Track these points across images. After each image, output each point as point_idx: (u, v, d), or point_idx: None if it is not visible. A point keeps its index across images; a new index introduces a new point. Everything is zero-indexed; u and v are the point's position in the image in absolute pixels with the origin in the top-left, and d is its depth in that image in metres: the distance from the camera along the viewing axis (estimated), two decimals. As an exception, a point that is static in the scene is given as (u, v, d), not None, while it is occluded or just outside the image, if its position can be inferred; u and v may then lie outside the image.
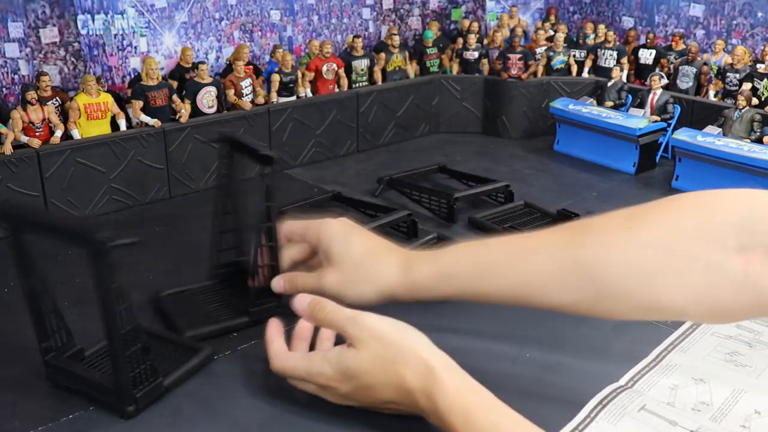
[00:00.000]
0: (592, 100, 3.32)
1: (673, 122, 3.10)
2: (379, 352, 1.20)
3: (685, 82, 3.29)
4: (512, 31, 3.75)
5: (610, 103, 3.24)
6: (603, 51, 3.53)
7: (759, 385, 1.42)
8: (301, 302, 1.34)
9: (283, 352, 1.37)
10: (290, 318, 1.45)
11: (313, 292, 1.46)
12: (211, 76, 2.90)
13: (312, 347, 1.40)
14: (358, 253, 1.43)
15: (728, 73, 3.16)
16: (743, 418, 1.30)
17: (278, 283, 1.60)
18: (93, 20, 2.78)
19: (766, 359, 1.52)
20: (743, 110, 2.86)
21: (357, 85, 3.31)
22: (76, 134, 2.54)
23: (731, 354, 1.54)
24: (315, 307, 1.32)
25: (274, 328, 1.41)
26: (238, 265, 1.90)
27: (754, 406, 1.34)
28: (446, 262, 1.30)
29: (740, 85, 3.06)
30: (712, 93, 3.18)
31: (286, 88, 3.06)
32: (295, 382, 1.34)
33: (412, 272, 1.35)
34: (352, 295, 1.45)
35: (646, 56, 3.55)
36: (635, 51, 3.60)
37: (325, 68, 3.18)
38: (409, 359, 1.17)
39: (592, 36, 3.69)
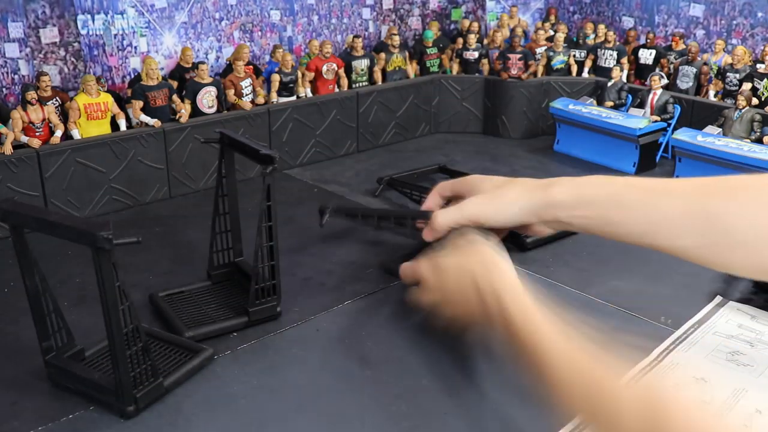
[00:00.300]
0: (592, 100, 3.32)
1: (673, 122, 3.10)
2: (467, 255, 1.36)
3: (685, 82, 3.29)
4: (512, 31, 3.75)
5: (610, 103, 3.24)
6: (603, 51, 3.53)
7: (760, 384, 1.42)
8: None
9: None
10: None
11: (456, 222, 1.55)
12: (211, 76, 2.90)
13: None
14: (498, 181, 1.55)
15: (728, 73, 3.16)
16: (744, 417, 1.30)
17: (427, 233, 1.61)
18: (93, 20, 2.78)
19: (767, 358, 1.52)
20: (743, 110, 2.86)
21: (357, 85, 3.31)
22: (76, 134, 2.54)
23: (732, 353, 1.54)
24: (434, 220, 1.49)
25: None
26: (237, 266, 1.91)
27: (756, 405, 1.34)
28: (585, 187, 1.37)
29: (740, 85, 3.06)
30: (712, 93, 3.18)
31: (286, 88, 3.06)
32: (405, 273, 1.56)
33: (553, 190, 1.42)
34: (494, 213, 1.50)
35: (646, 56, 3.55)
36: (635, 51, 3.60)
37: (325, 68, 3.18)
38: (487, 269, 1.30)
39: (592, 36, 3.69)
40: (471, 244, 1.39)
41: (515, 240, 2.07)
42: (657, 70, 3.38)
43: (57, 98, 2.60)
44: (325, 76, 3.18)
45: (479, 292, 1.25)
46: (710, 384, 1.40)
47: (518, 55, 3.45)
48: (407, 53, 3.53)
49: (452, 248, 1.42)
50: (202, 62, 2.85)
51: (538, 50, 3.58)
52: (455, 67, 3.63)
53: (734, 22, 3.58)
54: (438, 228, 1.57)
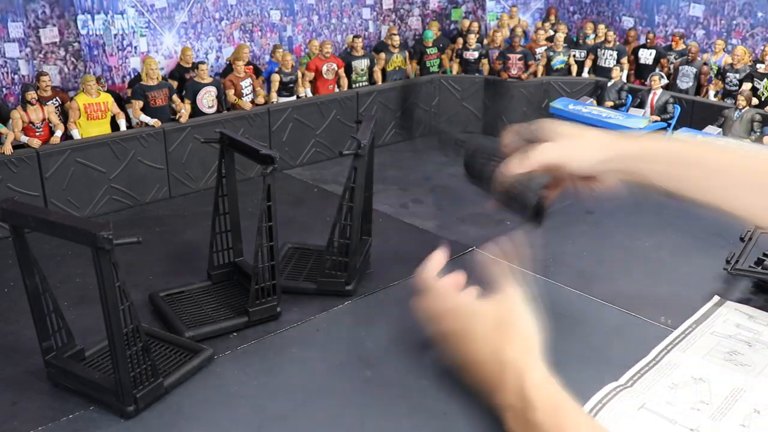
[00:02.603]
0: (592, 100, 3.32)
1: (673, 122, 3.10)
2: (503, 316, 1.27)
3: (685, 82, 3.29)
4: (512, 31, 3.75)
5: (610, 103, 3.24)
6: (603, 51, 3.53)
7: (758, 384, 1.42)
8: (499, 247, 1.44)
9: (434, 268, 1.46)
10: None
11: (536, 165, 1.50)
12: (211, 76, 2.90)
13: None
14: (577, 129, 1.56)
15: (728, 73, 3.16)
16: (743, 417, 1.30)
17: (502, 175, 1.60)
18: (93, 20, 2.78)
19: (765, 358, 1.52)
20: (743, 110, 2.86)
21: (357, 85, 3.31)
22: (76, 134, 2.54)
23: (731, 353, 1.54)
24: (495, 263, 1.44)
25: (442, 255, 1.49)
26: (237, 266, 1.91)
27: (754, 405, 1.34)
28: (672, 143, 1.44)
29: (740, 85, 3.06)
30: (712, 93, 3.18)
31: (286, 88, 3.06)
32: (423, 295, 1.42)
33: (642, 142, 1.47)
34: (576, 159, 1.48)
35: (646, 56, 3.55)
36: (635, 51, 3.60)
37: (325, 68, 3.18)
38: (518, 340, 1.23)
39: (592, 36, 3.69)
40: (513, 323, 1.25)
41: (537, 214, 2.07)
42: (657, 70, 3.38)
43: (57, 98, 2.60)
44: (325, 76, 3.19)
45: (504, 387, 1.14)
46: (709, 384, 1.40)
47: (518, 55, 3.45)
48: (407, 53, 3.53)
49: (491, 303, 1.31)
50: (202, 62, 2.85)
51: (538, 50, 3.58)
52: (455, 67, 3.63)
53: (734, 22, 3.58)
54: (515, 171, 1.53)
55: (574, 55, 3.57)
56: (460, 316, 1.36)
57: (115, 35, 2.86)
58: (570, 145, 1.55)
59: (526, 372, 1.18)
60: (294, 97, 3.09)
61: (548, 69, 3.52)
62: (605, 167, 1.52)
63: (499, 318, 1.32)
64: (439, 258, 1.53)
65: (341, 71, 3.23)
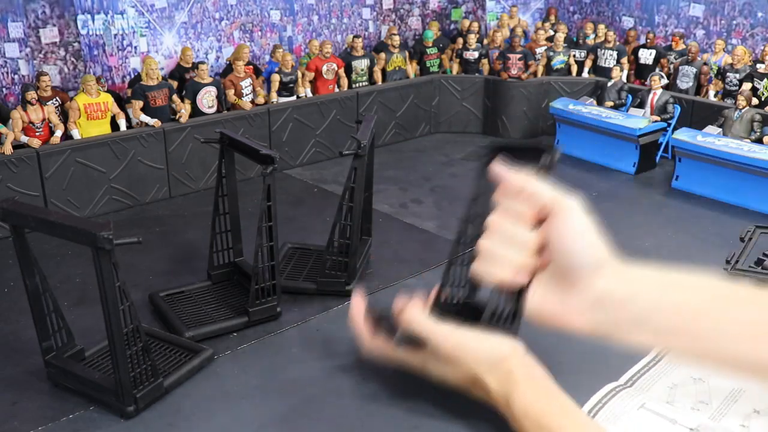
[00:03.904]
0: (592, 100, 3.32)
1: (673, 122, 3.10)
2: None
3: (685, 82, 3.29)
4: (512, 31, 3.75)
5: (610, 103, 3.24)
6: (603, 51, 3.53)
7: (758, 384, 1.42)
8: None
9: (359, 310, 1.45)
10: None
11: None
12: (211, 76, 2.90)
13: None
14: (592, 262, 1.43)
15: (728, 73, 3.16)
16: (742, 417, 1.30)
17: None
18: (93, 20, 2.78)
19: (765, 359, 1.52)
20: (743, 110, 2.86)
21: (357, 85, 3.31)
22: (76, 134, 2.54)
23: (731, 354, 1.54)
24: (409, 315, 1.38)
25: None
26: (237, 266, 1.91)
27: (753, 405, 1.34)
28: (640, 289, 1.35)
29: (740, 85, 3.06)
30: (712, 93, 3.18)
31: (286, 88, 3.06)
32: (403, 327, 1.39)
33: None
34: (560, 323, 1.47)
35: (646, 56, 3.55)
36: (635, 51, 3.60)
37: (325, 68, 3.18)
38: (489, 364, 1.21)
39: (592, 36, 3.69)
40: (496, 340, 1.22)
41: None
42: (657, 70, 3.38)
43: (57, 98, 2.60)
44: (325, 76, 3.19)
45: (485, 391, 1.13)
46: (708, 384, 1.40)
47: (518, 55, 3.45)
48: (407, 53, 3.53)
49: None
50: (202, 62, 2.85)
51: (538, 50, 3.58)
52: (455, 67, 3.63)
53: (734, 22, 3.58)
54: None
55: (574, 55, 3.56)
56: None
57: (115, 35, 2.86)
58: (558, 312, 1.51)
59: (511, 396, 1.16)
60: (294, 97, 3.09)
61: (548, 69, 3.52)
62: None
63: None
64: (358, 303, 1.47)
65: (341, 71, 3.23)
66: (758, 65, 3.13)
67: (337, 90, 3.23)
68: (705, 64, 3.33)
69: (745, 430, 1.26)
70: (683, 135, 2.83)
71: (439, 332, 1.25)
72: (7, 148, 2.34)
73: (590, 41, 3.65)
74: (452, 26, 4.08)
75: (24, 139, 2.42)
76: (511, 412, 1.16)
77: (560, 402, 1.15)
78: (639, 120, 2.98)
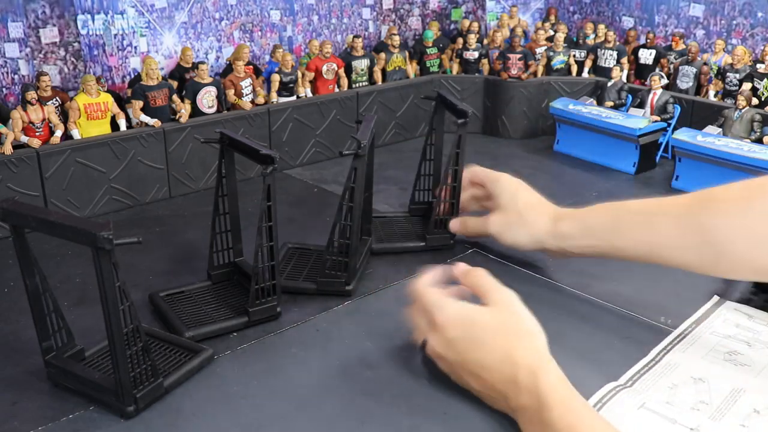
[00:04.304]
0: (592, 100, 3.32)
1: (673, 122, 3.10)
2: (506, 319, 1.31)
3: (685, 82, 3.29)
4: (512, 31, 3.76)
5: (610, 103, 3.24)
6: (603, 51, 3.53)
7: (758, 384, 1.42)
8: (459, 268, 1.43)
9: (429, 279, 1.43)
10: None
11: (479, 233, 1.80)
12: (211, 76, 2.90)
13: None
14: (521, 203, 1.72)
15: (728, 73, 3.16)
16: (742, 417, 1.30)
17: (455, 224, 1.90)
18: (93, 20, 2.78)
19: (765, 358, 1.52)
20: (743, 110, 2.86)
21: (357, 85, 3.31)
22: (76, 134, 2.54)
23: (730, 353, 1.54)
24: (470, 272, 1.40)
25: (438, 270, 1.48)
26: (237, 266, 1.91)
27: (753, 405, 1.34)
28: (588, 217, 1.54)
29: (740, 85, 3.06)
30: (712, 93, 3.18)
31: (286, 88, 3.06)
32: (414, 311, 1.42)
33: (561, 224, 1.60)
34: (510, 237, 1.72)
35: (646, 56, 3.55)
36: (635, 51, 3.60)
37: (325, 68, 3.18)
38: (526, 339, 1.27)
39: (592, 36, 3.69)
40: (517, 324, 1.23)
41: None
42: (657, 70, 3.38)
43: (57, 98, 2.60)
44: (325, 76, 3.19)
45: (518, 388, 1.14)
46: (708, 384, 1.40)
47: (518, 55, 3.45)
48: (407, 53, 3.53)
49: (491, 308, 1.27)
50: (202, 62, 2.85)
51: (538, 50, 3.58)
52: (455, 67, 3.63)
53: (734, 22, 3.58)
54: (462, 233, 1.84)
55: (574, 55, 3.57)
56: (459, 323, 1.38)
57: (115, 35, 2.86)
58: (506, 228, 1.71)
59: (540, 372, 1.19)
60: (294, 97, 3.09)
61: (548, 69, 3.52)
62: (534, 248, 1.69)
63: (502, 322, 1.34)
64: (433, 273, 1.57)
65: (341, 71, 3.23)
66: (758, 65, 3.13)
67: (337, 90, 3.23)
68: (705, 64, 3.33)
69: (745, 430, 1.26)
70: (683, 135, 2.84)
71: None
72: (7, 148, 2.34)
73: (590, 41, 3.65)
74: (452, 26, 4.08)
75: (24, 139, 2.42)
76: (539, 404, 1.17)
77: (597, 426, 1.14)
78: (639, 120, 2.98)
